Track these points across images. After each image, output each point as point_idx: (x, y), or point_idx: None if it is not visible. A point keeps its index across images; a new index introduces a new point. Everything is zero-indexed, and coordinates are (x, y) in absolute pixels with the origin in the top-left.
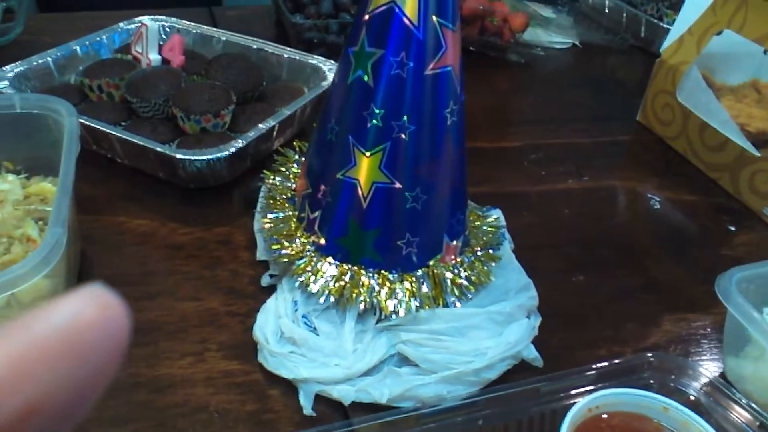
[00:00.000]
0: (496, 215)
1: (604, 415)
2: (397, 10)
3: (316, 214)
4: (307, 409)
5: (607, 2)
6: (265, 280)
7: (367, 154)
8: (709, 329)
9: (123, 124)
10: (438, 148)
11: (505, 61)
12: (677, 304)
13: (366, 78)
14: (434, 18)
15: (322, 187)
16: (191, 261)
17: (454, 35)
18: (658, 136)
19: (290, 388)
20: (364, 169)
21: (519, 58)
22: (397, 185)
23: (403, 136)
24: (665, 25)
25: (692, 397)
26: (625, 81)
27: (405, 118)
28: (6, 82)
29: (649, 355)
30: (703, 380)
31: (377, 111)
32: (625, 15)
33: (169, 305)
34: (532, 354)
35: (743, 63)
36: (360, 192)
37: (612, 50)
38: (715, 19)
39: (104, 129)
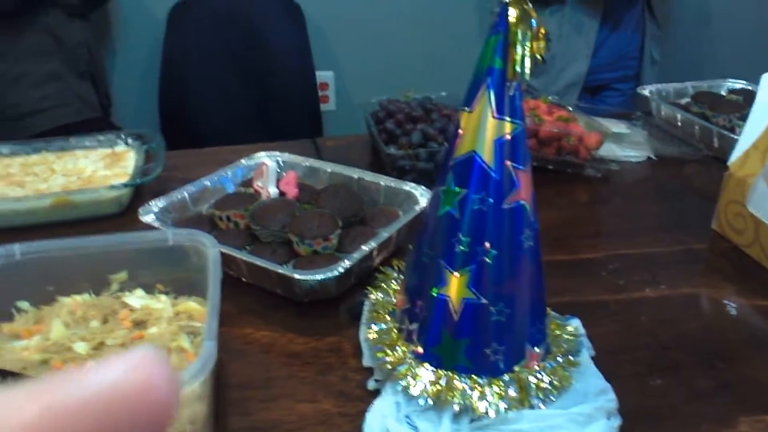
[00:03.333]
0: (575, 324)
1: None
2: (476, 157)
3: (414, 326)
4: None
5: (679, 116)
6: (371, 384)
7: (456, 274)
8: None
9: (247, 248)
10: (517, 269)
11: (583, 176)
12: (754, 405)
13: (453, 212)
14: (508, 162)
15: (419, 303)
16: (307, 367)
17: (525, 174)
18: (733, 243)
19: None
20: (454, 288)
21: (596, 173)
22: (483, 301)
23: (486, 259)
24: (736, 136)
25: None
26: (701, 190)
27: (487, 244)
28: (152, 216)
29: None
30: None
31: (463, 239)
32: (697, 127)
33: (289, 406)
34: None
35: None
36: (451, 307)
37: (686, 161)
38: None
39: (233, 253)
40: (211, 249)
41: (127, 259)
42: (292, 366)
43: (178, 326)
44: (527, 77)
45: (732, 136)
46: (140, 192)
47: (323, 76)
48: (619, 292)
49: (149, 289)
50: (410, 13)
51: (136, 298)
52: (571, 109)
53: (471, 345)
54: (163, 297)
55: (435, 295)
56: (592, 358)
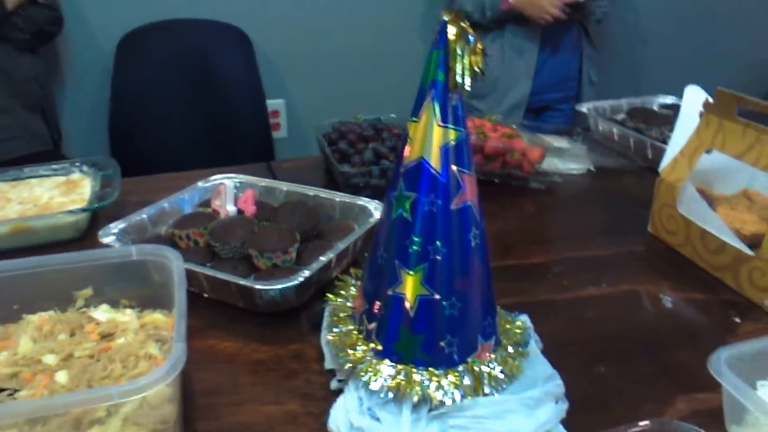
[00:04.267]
0: (523, 319)
1: None
2: (425, 163)
3: (373, 325)
4: None
5: (615, 130)
6: (334, 384)
7: (411, 273)
8: (718, 404)
9: (207, 265)
10: (466, 265)
11: (528, 189)
12: (690, 386)
13: (405, 215)
14: (454, 167)
15: (377, 303)
16: (271, 373)
17: (470, 177)
18: (667, 244)
19: None
20: (409, 286)
21: (540, 185)
22: (437, 296)
23: (438, 257)
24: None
25: None
26: (637, 198)
27: (438, 243)
28: (113, 237)
29: (648, 422)
30: None
31: (416, 239)
32: (632, 140)
33: (256, 409)
34: None
35: (736, 175)
36: (407, 304)
37: (624, 172)
38: (699, 142)
39: (194, 268)
40: (175, 262)
41: (91, 275)
42: (257, 373)
43: (146, 335)
44: (468, 88)
45: (664, 146)
46: (97, 217)
47: (274, 104)
48: (564, 292)
49: (114, 305)
50: (357, 39)
51: (102, 312)
52: (514, 126)
53: (427, 339)
54: (128, 311)
55: (391, 294)
56: (540, 350)
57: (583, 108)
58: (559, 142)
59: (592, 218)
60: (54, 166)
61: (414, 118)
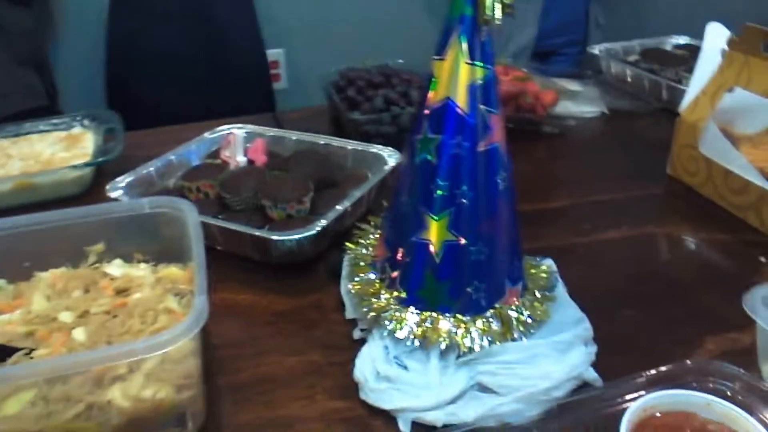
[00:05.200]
0: (548, 263)
1: (657, 414)
2: (451, 103)
3: (396, 273)
4: None
5: (629, 71)
6: (357, 334)
7: (436, 218)
8: (748, 343)
9: (219, 217)
10: (493, 209)
11: (541, 133)
12: (718, 326)
13: (430, 158)
14: (482, 106)
15: (400, 250)
16: (290, 325)
17: (498, 118)
18: (687, 185)
19: (389, 418)
20: (435, 231)
21: (553, 129)
22: (463, 241)
23: (464, 201)
24: (684, 87)
25: (729, 394)
26: (654, 140)
27: (465, 187)
28: (120, 191)
29: (689, 362)
30: (739, 380)
31: (441, 183)
32: (646, 82)
33: (278, 361)
34: (592, 375)
35: (760, 113)
36: (432, 250)
37: (639, 114)
38: (722, 80)
39: (208, 221)
40: (190, 214)
41: (103, 230)
42: (276, 324)
43: (163, 289)
44: (497, 21)
45: (680, 87)
46: (102, 173)
47: (273, 54)
48: (586, 236)
49: (128, 259)
50: None
51: (116, 267)
52: (525, 70)
53: (453, 285)
54: (142, 265)
55: (416, 240)
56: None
57: (595, 50)
58: (572, 85)
59: (608, 161)
60: (54, 121)
61: (439, 57)
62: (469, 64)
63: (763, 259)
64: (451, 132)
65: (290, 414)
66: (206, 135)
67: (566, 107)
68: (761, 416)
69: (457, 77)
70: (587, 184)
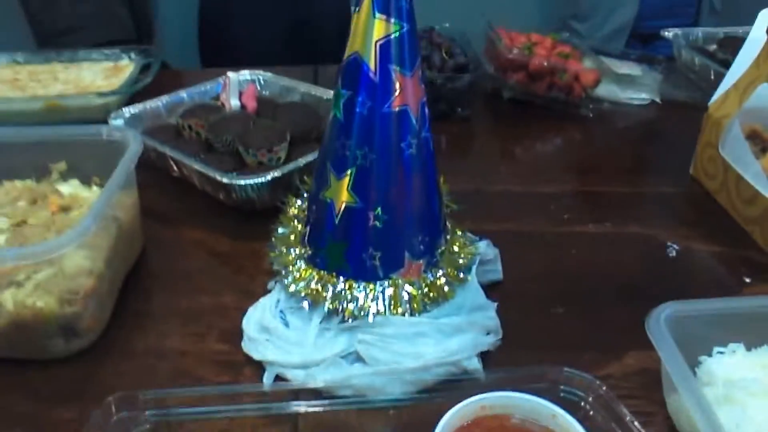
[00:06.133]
0: (481, 246)
1: (499, 414)
2: (359, 59)
3: (307, 229)
4: (267, 385)
5: (697, 60)
6: (271, 284)
7: (339, 177)
8: None
9: (201, 156)
10: (397, 176)
11: (574, 114)
12: (650, 342)
13: (339, 115)
14: (393, 66)
15: (313, 207)
16: (222, 267)
17: (412, 80)
18: (705, 189)
19: (261, 369)
20: (337, 191)
21: (587, 113)
22: (361, 205)
23: (366, 163)
24: None
25: (585, 409)
26: (693, 136)
27: (367, 148)
28: (121, 121)
29: (544, 367)
30: (595, 395)
31: (345, 142)
32: (712, 72)
33: (193, 298)
34: (473, 365)
35: None
36: (334, 210)
37: (691, 107)
38: (757, 73)
39: (180, 158)
40: (132, 144)
41: (65, 150)
42: (210, 263)
43: None
44: None
45: None
46: (133, 103)
47: None
48: (559, 225)
49: (85, 181)
50: None
51: (69, 187)
52: (577, 45)
53: (350, 248)
54: (95, 188)
55: (322, 198)
56: (499, 282)
57: (669, 33)
58: (629, 69)
59: (632, 153)
60: (106, 52)
61: (355, 9)
62: (378, 19)
63: (747, 279)
64: (356, 89)
65: (176, 348)
66: (230, 75)
67: (612, 91)
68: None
69: (366, 32)
70: (593, 174)
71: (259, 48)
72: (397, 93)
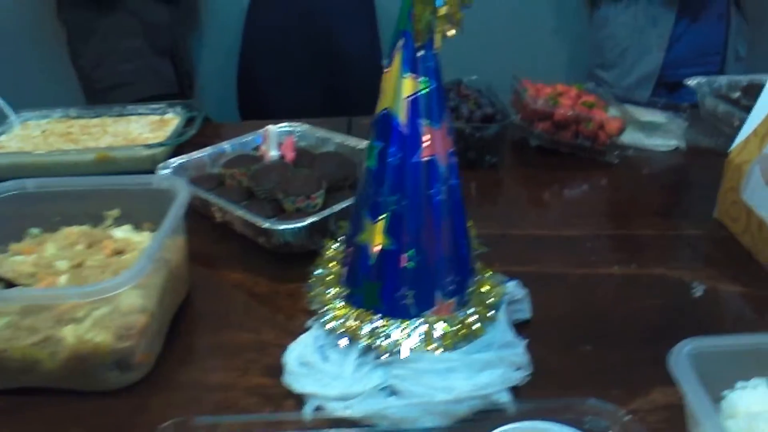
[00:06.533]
0: (510, 286)
1: None
2: (391, 114)
3: (344, 270)
4: (307, 415)
5: (720, 107)
6: (309, 323)
7: (374, 222)
8: None
9: (244, 203)
10: (428, 220)
11: (599, 162)
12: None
13: (372, 165)
14: (421, 120)
15: (349, 250)
16: (262, 307)
17: (440, 132)
18: (730, 232)
19: (301, 401)
20: (371, 235)
21: (612, 159)
22: (395, 248)
23: (399, 209)
24: None
25: None
26: (717, 181)
27: (399, 195)
28: (168, 170)
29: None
30: (620, 425)
31: (378, 189)
32: (736, 119)
33: (234, 334)
34: (504, 399)
35: None
36: (369, 252)
37: (716, 153)
38: None
39: (224, 205)
40: (181, 192)
41: (118, 198)
42: (250, 304)
43: None
44: (436, 41)
45: None
46: (178, 154)
47: None
48: (585, 267)
49: (138, 227)
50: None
51: (122, 232)
52: (602, 95)
53: (384, 288)
54: (146, 233)
55: (357, 241)
56: (527, 321)
57: (692, 82)
58: (650, 116)
59: (656, 197)
60: (153, 106)
61: (386, 68)
62: (407, 78)
63: None
64: (388, 142)
65: (221, 381)
66: (270, 128)
67: (637, 138)
68: None
69: (396, 89)
70: (618, 218)
71: (295, 102)
72: (425, 144)
